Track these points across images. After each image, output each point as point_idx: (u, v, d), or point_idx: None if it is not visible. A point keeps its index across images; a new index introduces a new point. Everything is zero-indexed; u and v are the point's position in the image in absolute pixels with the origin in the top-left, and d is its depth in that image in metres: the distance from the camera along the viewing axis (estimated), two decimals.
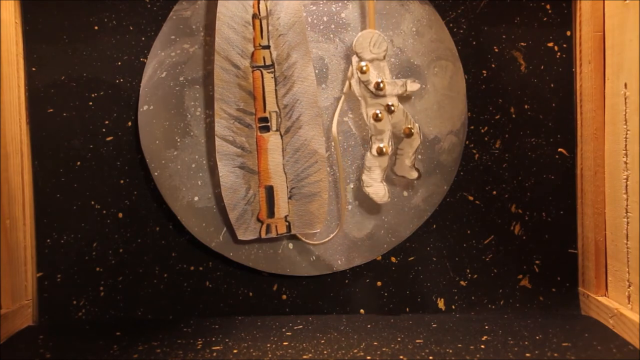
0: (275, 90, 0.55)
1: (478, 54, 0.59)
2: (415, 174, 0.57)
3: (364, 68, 0.55)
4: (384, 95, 0.55)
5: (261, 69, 0.55)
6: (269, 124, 0.55)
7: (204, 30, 0.57)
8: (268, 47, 0.55)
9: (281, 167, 0.56)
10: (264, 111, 0.55)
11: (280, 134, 0.55)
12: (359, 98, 0.56)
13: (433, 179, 0.58)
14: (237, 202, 0.56)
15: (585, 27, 0.56)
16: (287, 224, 0.56)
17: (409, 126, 0.56)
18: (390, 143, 0.56)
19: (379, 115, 0.55)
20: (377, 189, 0.56)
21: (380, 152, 0.56)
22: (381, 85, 0.55)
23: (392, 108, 0.55)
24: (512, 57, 0.59)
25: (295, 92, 0.55)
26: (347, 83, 0.56)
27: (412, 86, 0.56)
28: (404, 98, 0.57)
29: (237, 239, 0.57)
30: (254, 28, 0.55)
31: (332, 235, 0.57)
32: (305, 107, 0.55)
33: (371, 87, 0.55)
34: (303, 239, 0.57)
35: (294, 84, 0.55)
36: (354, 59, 0.55)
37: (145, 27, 0.59)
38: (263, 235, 0.56)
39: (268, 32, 0.55)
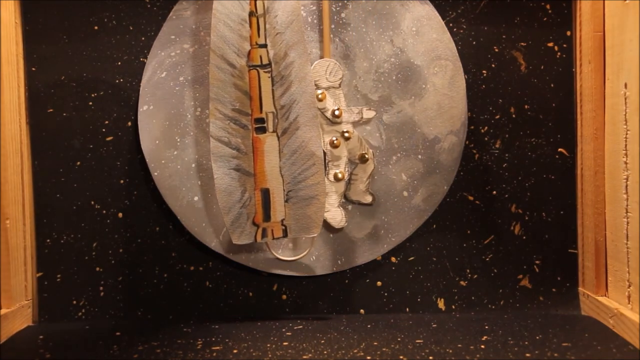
0: (272, 90, 0.54)
1: (478, 54, 0.59)
2: (369, 198, 0.57)
3: (320, 96, 0.56)
4: (339, 123, 0.56)
5: (258, 68, 0.54)
6: (265, 124, 0.54)
7: (204, 30, 0.57)
8: (265, 45, 0.54)
9: (278, 169, 0.54)
10: (261, 112, 0.54)
11: (277, 135, 0.54)
12: None
13: (433, 179, 0.58)
14: (232, 205, 0.54)
15: (585, 27, 0.56)
16: (283, 227, 0.55)
17: (364, 152, 0.56)
18: (346, 169, 0.56)
19: (335, 141, 0.56)
20: (335, 214, 0.57)
21: (337, 178, 0.56)
22: (337, 112, 0.56)
23: (347, 135, 0.56)
24: (512, 57, 0.59)
25: (293, 93, 0.54)
26: None
27: (368, 114, 0.57)
28: (406, 100, 0.57)
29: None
30: (250, 26, 0.54)
31: (303, 254, 0.57)
32: (303, 108, 0.54)
33: (328, 114, 0.56)
34: (274, 253, 0.57)
35: (291, 84, 0.54)
36: None
37: (145, 27, 0.59)
38: (259, 240, 0.55)
39: (265, 30, 0.54)
